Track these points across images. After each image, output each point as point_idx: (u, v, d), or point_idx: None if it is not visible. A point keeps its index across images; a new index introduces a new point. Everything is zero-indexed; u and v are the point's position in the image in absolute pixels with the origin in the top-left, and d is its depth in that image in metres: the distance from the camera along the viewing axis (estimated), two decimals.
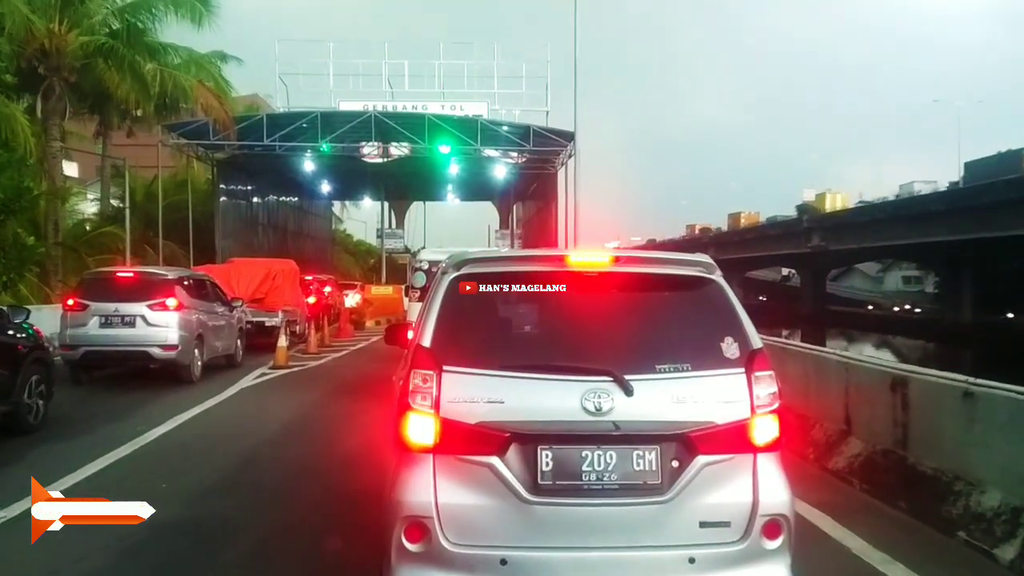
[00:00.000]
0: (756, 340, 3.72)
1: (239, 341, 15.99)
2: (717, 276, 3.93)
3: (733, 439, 3.52)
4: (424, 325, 3.75)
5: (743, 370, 3.60)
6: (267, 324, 18.73)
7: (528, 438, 3.42)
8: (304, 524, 5.80)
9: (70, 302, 13.10)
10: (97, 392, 12.36)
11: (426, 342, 3.62)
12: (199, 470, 7.36)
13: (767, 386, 3.61)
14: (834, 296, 74.46)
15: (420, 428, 3.48)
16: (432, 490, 3.43)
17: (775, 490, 3.57)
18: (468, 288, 3.77)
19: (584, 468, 3.43)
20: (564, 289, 3.75)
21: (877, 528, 5.68)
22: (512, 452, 3.41)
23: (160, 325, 12.74)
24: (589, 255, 3.83)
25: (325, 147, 32.93)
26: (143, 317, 12.70)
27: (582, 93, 28.44)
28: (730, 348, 3.65)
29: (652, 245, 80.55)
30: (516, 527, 3.42)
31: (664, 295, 3.91)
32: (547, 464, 3.41)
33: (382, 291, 34.84)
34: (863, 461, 6.84)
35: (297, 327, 20.63)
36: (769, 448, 3.60)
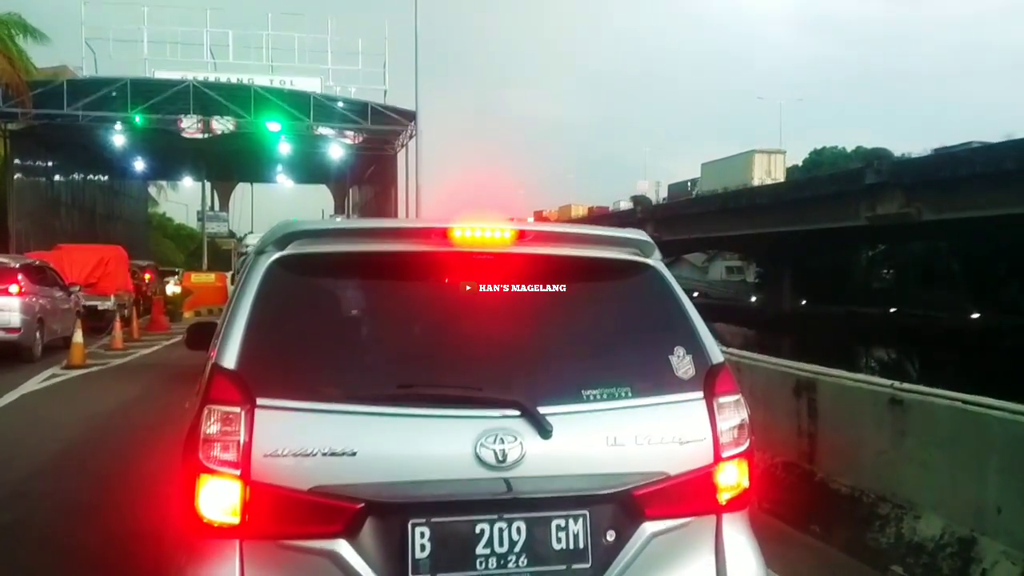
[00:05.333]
0: (716, 352, 2.75)
1: (76, 323, 16.12)
2: (656, 260, 2.92)
3: (691, 496, 2.55)
4: (226, 335, 2.50)
5: (701, 394, 2.62)
6: (100, 308, 19.62)
7: (393, 509, 2.31)
8: None
9: None
10: None
11: (229, 361, 2.40)
12: None
13: (734, 415, 2.65)
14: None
15: (219, 499, 2.30)
16: None
17: (746, 566, 2.62)
18: (295, 277, 2.62)
19: (480, 551, 2.34)
20: (448, 279, 2.70)
21: (794, 561, 4.79)
22: (368, 531, 2.29)
23: (3, 309, 13.69)
24: (483, 229, 2.66)
25: (138, 118, 29.78)
26: None
27: (423, 74, 27.05)
28: (682, 363, 2.65)
29: None
30: None
31: (588, 287, 2.83)
32: (423, 547, 2.30)
33: (203, 279, 31.85)
34: (762, 475, 5.98)
35: (126, 311, 20.96)
36: (736, 506, 2.65)
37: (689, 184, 70.08)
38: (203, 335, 3.89)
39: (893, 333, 40.98)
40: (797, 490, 5.61)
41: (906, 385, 4.90)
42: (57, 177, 36.80)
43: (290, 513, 2.30)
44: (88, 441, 8.18)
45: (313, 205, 55.65)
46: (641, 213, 60.56)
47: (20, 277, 14.39)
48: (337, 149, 36.93)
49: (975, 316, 38.69)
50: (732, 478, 2.63)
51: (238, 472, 2.30)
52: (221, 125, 34.27)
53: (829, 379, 5.56)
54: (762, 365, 6.40)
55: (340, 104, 31.35)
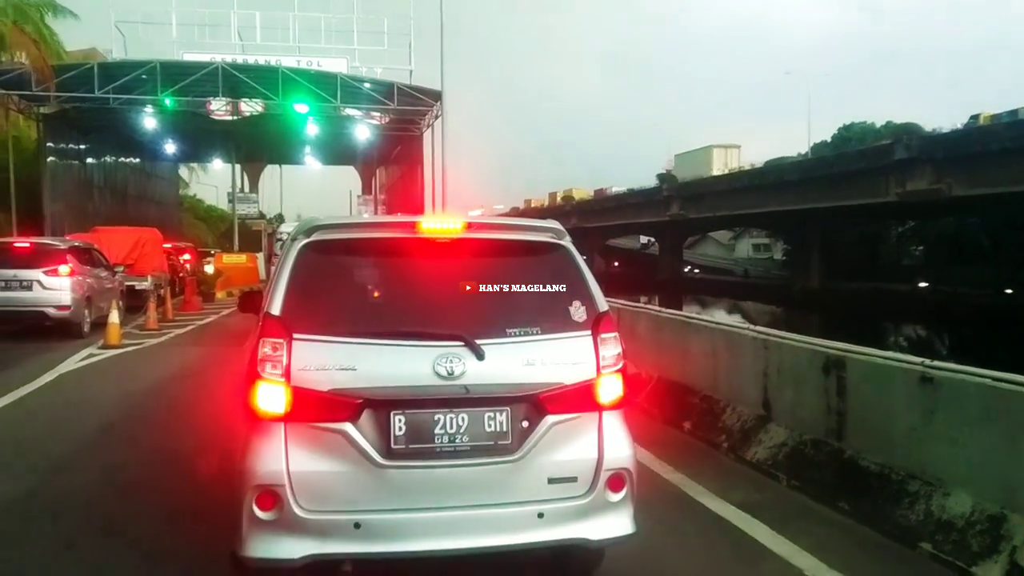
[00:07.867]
0: (602, 303, 3.89)
1: (119, 302, 16.89)
2: (566, 242, 4.04)
3: (580, 398, 3.70)
4: (273, 293, 3.69)
5: (589, 332, 3.78)
6: (137, 288, 20.11)
7: (381, 404, 3.48)
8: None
9: None
10: None
11: (275, 310, 3.59)
12: None
13: (612, 347, 3.80)
14: (689, 263, 76.62)
15: (270, 397, 3.48)
16: (284, 458, 3.45)
17: (619, 446, 3.77)
18: (318, 255, 3.75)
19: (437, 431, 3.52)
20: (416, 256, 3.81)
21: (823, 538, 4.86)
22: (365, 418, 3.47)
23: (55, 288, 14.77)
24: (441, 222, 3.85)
25: (169, 100, 29.97)
26: (39, 282, 14.71)
27: (448, 54, 26.96)
28: (578, 312, 3.81)
29: (516, 213, 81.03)
30: (370, 491, 3.49)
31: (515, 260, 3.93)
32: (400, 429, 3.49)
33: (235, 259, 32.39)
34: (789, 452, 6.05)
35: (161, 291, 21.38)
36: (614, 406, 3.80)
37: (665, 172, 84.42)
38: (252, 302, 4.94)
39: (922, 310, 40.55)
40: (826, 467, 5.65)
41: (936, 362, 4.90)
42: (90, 160, 36.99)
43: (316, 406, 3.44)
44: (126, 419, 8.39)
45: (341, 186, 55.98)
46: (667, 191, 60.13)
47: (69, 258, 15.32)
48: (364, 130, 36.91)
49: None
50: (609, 387, 3.74)
51: (283, 380, 3.46)
52: (250, 107, 34.25)
53: (859, 357, 5.57)
54: (789, 343, 6.41)
55: (367, 85, 31.23)
